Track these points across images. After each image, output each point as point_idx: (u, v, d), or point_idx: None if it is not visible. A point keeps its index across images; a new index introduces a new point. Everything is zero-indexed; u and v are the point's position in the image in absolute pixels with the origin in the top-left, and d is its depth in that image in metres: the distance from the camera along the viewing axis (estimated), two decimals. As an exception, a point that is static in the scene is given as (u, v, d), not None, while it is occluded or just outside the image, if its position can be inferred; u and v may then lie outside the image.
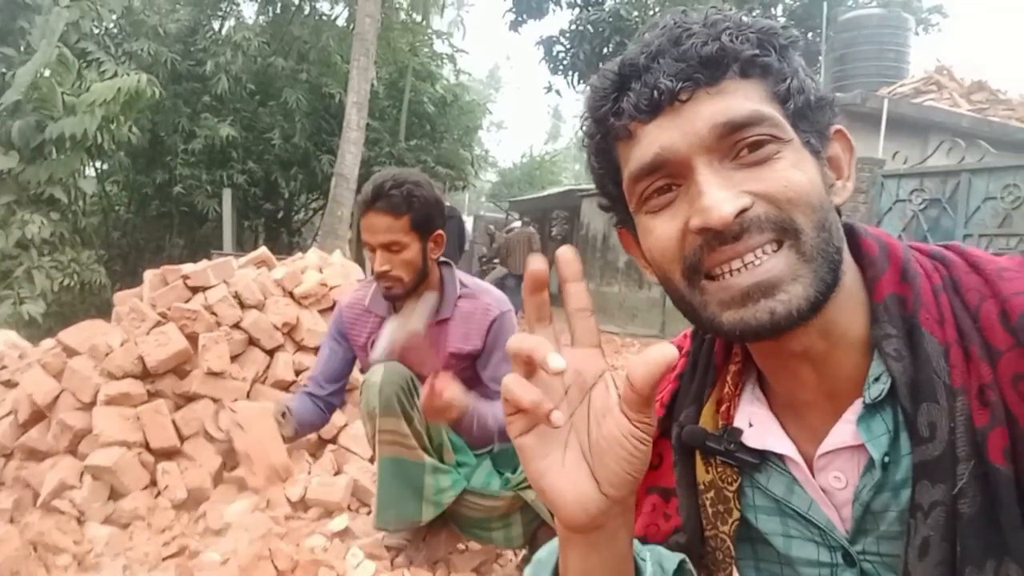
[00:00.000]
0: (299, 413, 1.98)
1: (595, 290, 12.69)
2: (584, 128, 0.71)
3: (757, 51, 0.63)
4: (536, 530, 2.06)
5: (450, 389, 1.73)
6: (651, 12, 13.26)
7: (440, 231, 1.94)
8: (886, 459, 0.64)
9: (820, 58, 11.13)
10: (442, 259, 2.00)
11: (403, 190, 1.83)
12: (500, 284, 10.92)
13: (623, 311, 11.68)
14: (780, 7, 13.83)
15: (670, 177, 0.64)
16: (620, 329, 10.72)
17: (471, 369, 2.02)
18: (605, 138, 0.68)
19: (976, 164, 6.25)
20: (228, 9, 12.40)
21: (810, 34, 12.85)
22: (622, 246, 0.78)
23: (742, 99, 0.62)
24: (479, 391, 2.02)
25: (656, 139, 0.63)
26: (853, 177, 0.71)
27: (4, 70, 6.45)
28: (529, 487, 1.95)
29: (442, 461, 1.98)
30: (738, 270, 0.61)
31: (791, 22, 13.41)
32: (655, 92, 0.62)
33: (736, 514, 0.74)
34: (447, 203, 9.94)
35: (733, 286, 0.61)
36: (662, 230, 0.65)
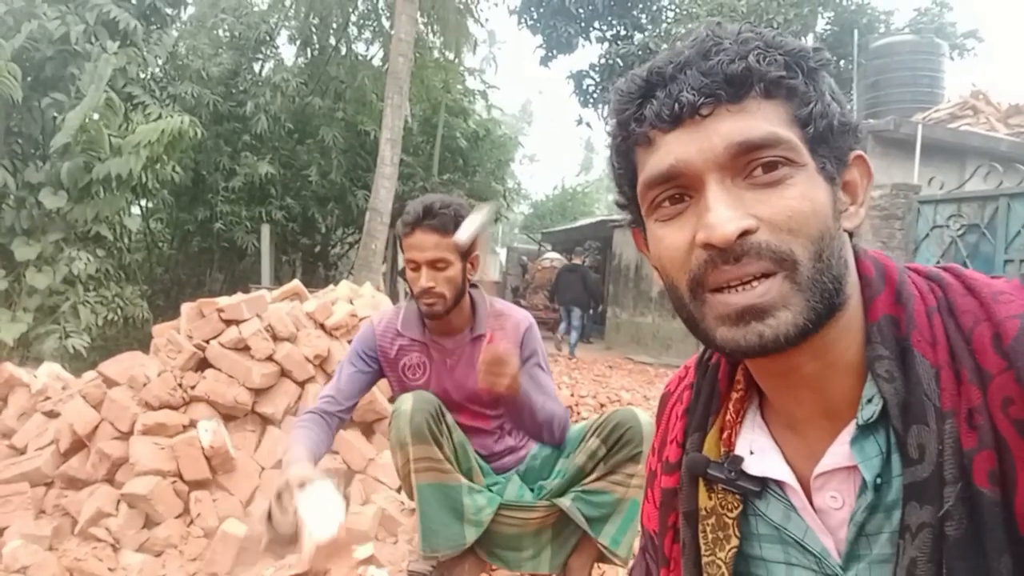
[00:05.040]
0: (309, 451, 1.79)
1: (628, 320, 12.61)
2: (607, 128, 0.73)
3: (783, 72, 0.63)
4: (568, 558, 2.06)
5: (502, 346, 1.75)
6: (680, 44, 13.34)
7: (477, 253, 2.00)
8: (878, 480, 0.64)
9: (852, 85, 11.06)
10: (472, 282, 2.07)
11: (451, 210, 1.91)
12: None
13: (657, 341, 11.59)
14: (811, 36, 13.84)
15: (682, 188, 0.66)
16: (654, 359, 10.63)
17: None
18: (626, 141, 0.70)
19: (1015, 188, 6.11)
20: (268, 52, 12.80)
21: (842, 61, 12.80)
22: (635, 245, 0.80)
23: (761, 120, 0.63)
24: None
25: (673, 150, 0.65)
26: (867, 203, 0.71)
27: (55, 114, 6.74)
28: (563, 495, 1.96)
29: (472, 483, 2.01)
30: (736, 288, 0.63)
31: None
32: (677, 104, 0.64)
33: (734, 541, 0.74)
34: (576, 260, 10.19)
35: (731, 303, 0.63)
36: (671, 240, 0.67)
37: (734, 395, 0.78)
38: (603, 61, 15.30)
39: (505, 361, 1.74)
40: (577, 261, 11.74)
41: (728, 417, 0.78)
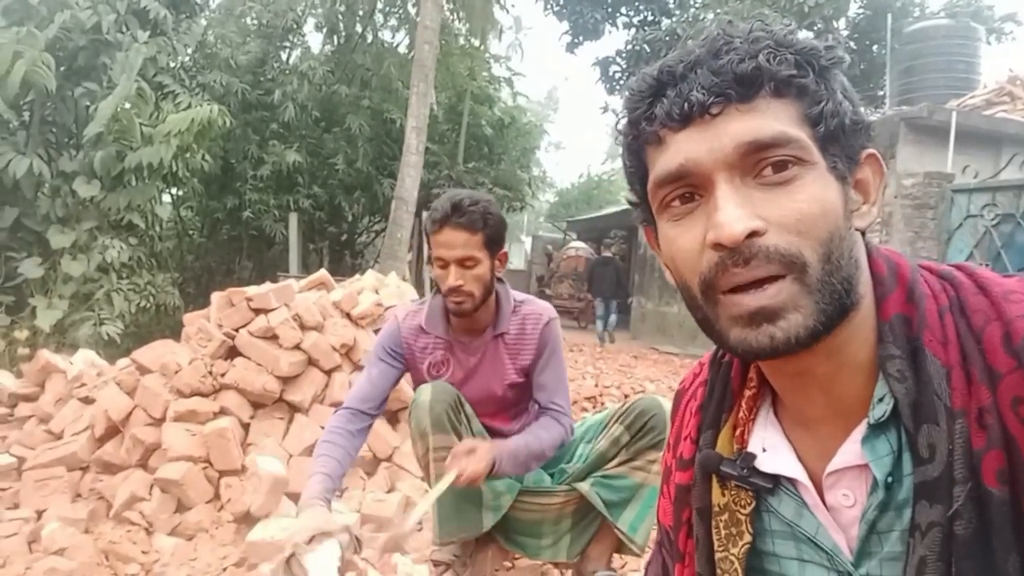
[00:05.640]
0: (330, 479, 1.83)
1: (654, 310, 12.56)
2: (619, 127, 0.73)
3: (794, 71, 0.63)
4: (586, 547, 2.08)
5: (466, 467, 1.77)
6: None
7: (505, 250, 1.99)
8: (889, 479, 0.65)
9: (885, 71, 10.83)
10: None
11: (480, 207, 1.88)
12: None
13: (683, 331, 11.52)
14: (843, 20, 13.55)
15: (692, 187, 0.66)
16: (680, 350, 10.58)
17: (528, 383, 2.07)
18: (637, 139, 0.70)
19: (1053, 177, 5.98)
20: (295, 40, 12.89)
21: (875, 47, 12.55)
22: (647, 243, 0.80)
23: (771, 119, 0.63)
24: (524, 407, 2.07)
25: (683, 149, 0.65)
26: (879, 202, 0.71)
27: (88, 104, 6.85)
28: (583, 479, 1.98)
29: None
30: (748, 290, 0.63)
31: (855, 35, 13.13)
32: (687, 103, 0.64)
33: (747, 537, 0.75)
34: (606, 252, 10.30)
35: (743, 304, 0.63)
36: (683, 240, 0.67)
37: (747, 393, 0.78)
38: (630, 47, 15.14)
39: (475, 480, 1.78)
40: (607, 253, 11.65)
41: (741, 414, 0.78)
